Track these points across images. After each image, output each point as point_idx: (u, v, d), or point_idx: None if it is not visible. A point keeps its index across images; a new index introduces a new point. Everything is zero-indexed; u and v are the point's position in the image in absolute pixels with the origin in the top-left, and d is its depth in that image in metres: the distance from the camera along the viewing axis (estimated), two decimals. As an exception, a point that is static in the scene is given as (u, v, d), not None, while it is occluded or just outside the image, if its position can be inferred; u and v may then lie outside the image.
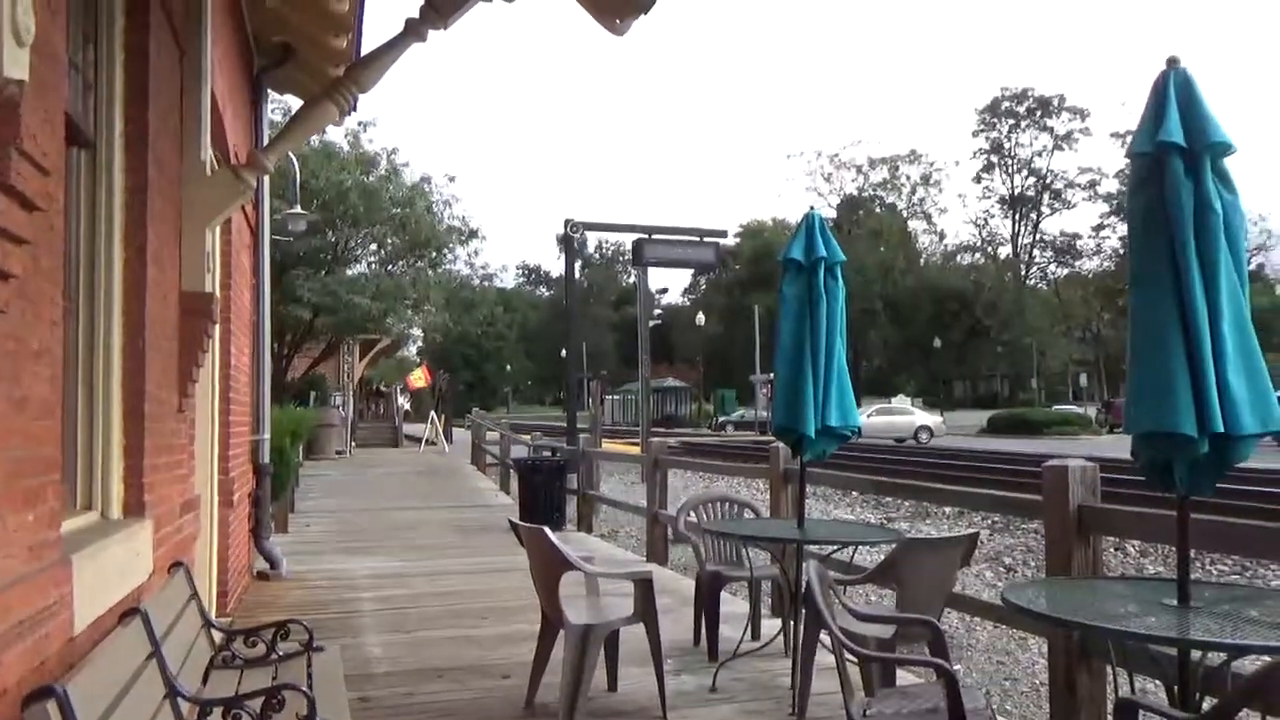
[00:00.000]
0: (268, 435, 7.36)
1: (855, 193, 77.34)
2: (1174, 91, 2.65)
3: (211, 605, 5.64)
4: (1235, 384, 2.51)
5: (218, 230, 5.87)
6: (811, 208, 4.75)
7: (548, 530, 3.82)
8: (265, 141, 7.81)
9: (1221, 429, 2.49)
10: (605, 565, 7.74)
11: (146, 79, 3.33)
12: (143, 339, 3.25)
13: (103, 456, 3.09)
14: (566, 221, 15.98)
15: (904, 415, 38.66)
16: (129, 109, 3.28)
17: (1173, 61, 2.71)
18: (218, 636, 3.20)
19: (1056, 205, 74.42)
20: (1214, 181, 2.60)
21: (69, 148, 3.00)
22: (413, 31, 4.44)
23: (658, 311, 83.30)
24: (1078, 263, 74.21)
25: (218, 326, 5.90)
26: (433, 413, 29.24)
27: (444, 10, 4.47)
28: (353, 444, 24.97)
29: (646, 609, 3.97)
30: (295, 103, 8.65)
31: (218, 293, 5.86)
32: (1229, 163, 2.66)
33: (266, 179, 7.56)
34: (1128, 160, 2.76)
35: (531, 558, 4.01)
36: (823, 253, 4.44)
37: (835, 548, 4.83)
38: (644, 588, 3.99)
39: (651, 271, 23.55)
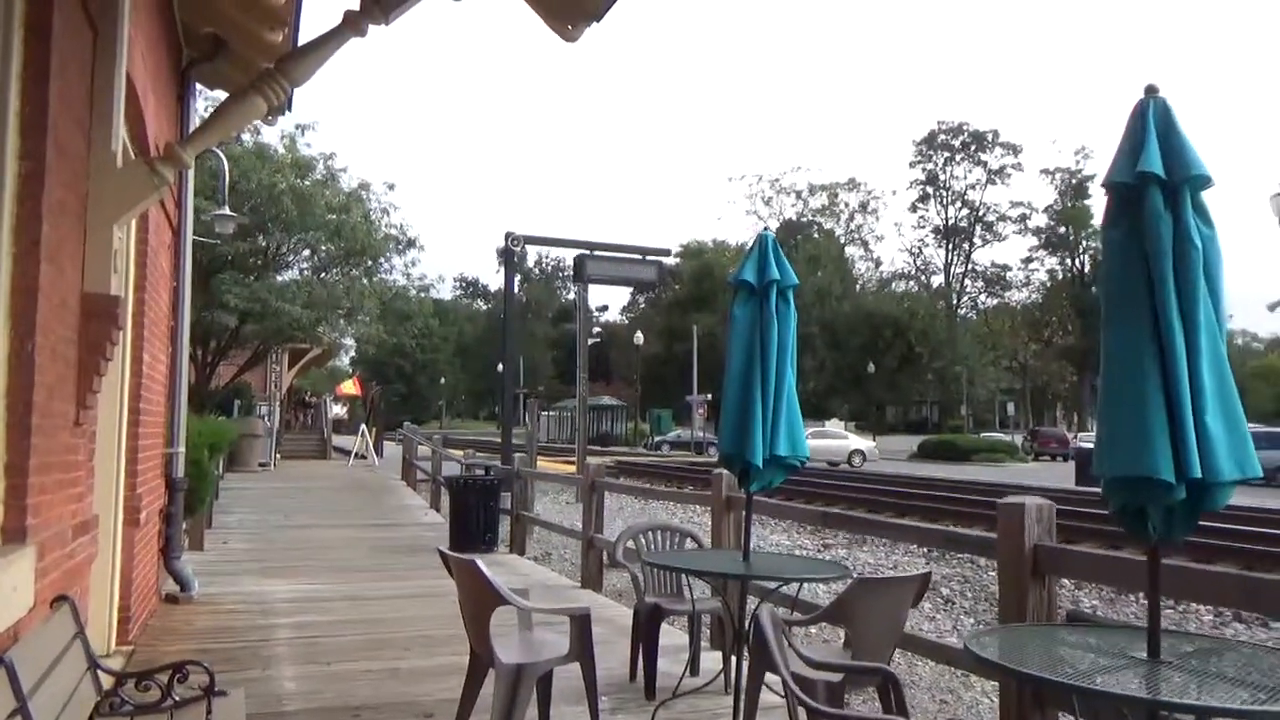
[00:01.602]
0: (182, 449, 6.92)
1: (795, 217, 78.47)
2: (1153, 121, 2.53)
3: (112, 633, 5.23)
4: (1214, 427, 2.39)
5: (133, 229, 5.52)
6: (765, 228, 4.60)
7: (480, 562, 3.55)
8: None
9: (1199, 475, 2.36)
10: (538, 590, 7.47)
11: (49, 56, 3.01)
12: (32, 343, 2.92)
13: (-22, 475, 2.75)
14: (507, 234, 15.68)
15: (838, 439, 39.01)
16: (27, 88, 2.95)
17: (1152, 90, 2.60)
18: (106, 680, 2.86)
19: (988, 237, 76.57)
20: (1193, 215, 2.48)
21: (-47, 128, 2.70)
22: (351, 25, 4.17)
23: (596, 329, 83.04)
24: (1007, 294, 76.33)
25: (130, 332, 5.52)
26: (363, 425, 28.45)
27: (386, 4, 4.21)
28: (278, 456, 24.14)
29: (583, 648, 3.73)
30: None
31: (130, 295, 5.50)
32: (1207, 197, 2.56)
33: (190, 176, 7.20)
34: (1104, 188, 2.63)
35: (461, 591, 3.74)
36: (775, 275, 4.28)
37: (780, 583, 4.64)
38: (580, 624, 3.75)
39: (592, 289, 23.34)
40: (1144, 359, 2.45)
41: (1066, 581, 9.31)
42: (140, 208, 3.99)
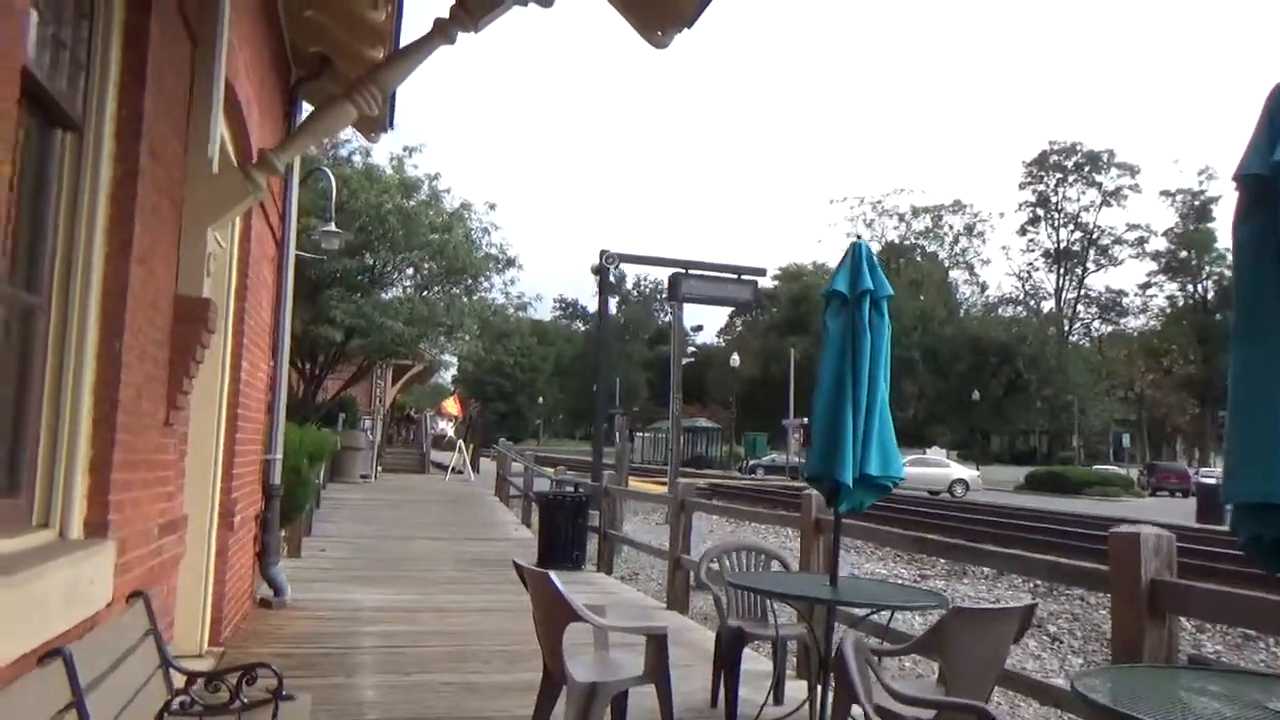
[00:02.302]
0: (279, 456, 7.08)
1: (897, 240, 76.87)
2: (1293, 106, 2.28)
3: (204, 634, 5.34)
4: (1365, 449, 2.11)
5: (235, 238, 5.69)
6: (859, 237, 4.42)
7: (553, 575, 3.46)
8: (298, 155, 7.66)
9: (1347, 503, 2.08)
10: (623, 610, 7.35)
11: (145, 64, 3.08)
12: (120, 342, 2.97)
13: (65, 469, 2.79)
14: (602, 252, 15.77)
15: (939, 468, 37.75)
16: (124, 94, 3.03)
17: (1291, 73, 2.34)
18: (178, 679, 2.87)
19: (1102, 261, 73.42)
20: (1343, 208, 2.21)
21: (52, 128, 2.77)
22: (440, 32, 4.19)
23: (692, 350, 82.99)
24: (1122, 320, 72.98)
25: (230, 339, 5.67)
26: (460, 441, 28.99)
27: (475, 11, 4.22)
28: (379, 468, 24.77)
29: (659, 668, 3.59)
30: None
31: (231, 302, 5.65)
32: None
33: (294, 190, 7.43)
34: (1234, 182, 2.37)
35: (535, 604, 3.65)
36: (869, 285, 4.09)
37: (870, 610, 4.41)
38: (657, 644, 3.61)
39: (688, 309, 23.25)
40: (1281, 372, 2.18)
41: (1186, 624, 8.69)
42: (234, 212, 4.08)
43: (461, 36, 4.21)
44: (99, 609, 2.75)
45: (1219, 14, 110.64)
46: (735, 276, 16.99)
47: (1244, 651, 8.39)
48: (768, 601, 4.90)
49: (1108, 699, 2.26)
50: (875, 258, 4.25)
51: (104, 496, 2.89)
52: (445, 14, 4.23)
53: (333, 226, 12.94)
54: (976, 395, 57.85)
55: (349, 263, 20.02)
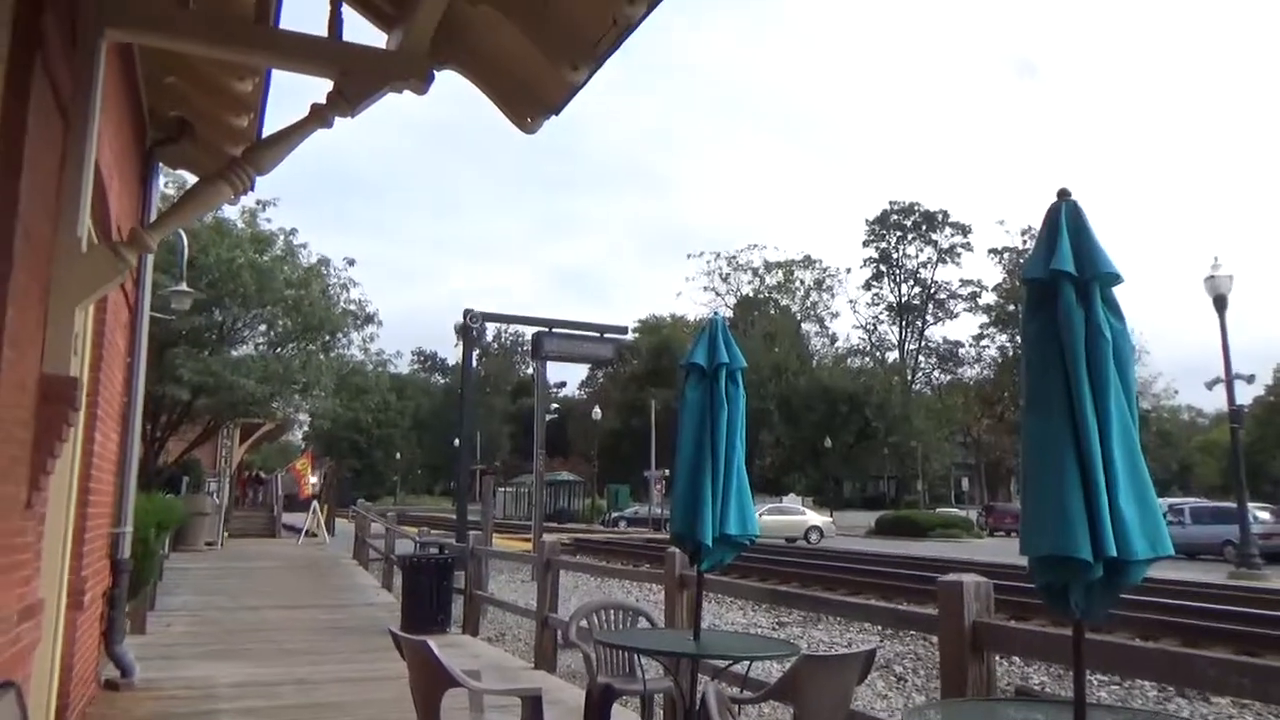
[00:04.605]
0: (129, 528, 6.83)
1: (751, 294, 79.66)
2: (1065, 222, 2.76)
3: (48, 722, 5.09)
4: (1126, 508, 2.55)
5: (90, 309, 5.56)
6: (715, 313, 4.79)
7: (431, 644, 3.58)
8: (153, 217, 7.49)
9: (1115, 553, 2.51)
10: (491, 672, 7.39)
11: (22, 150, 3.12)
12: (-11, 428, 2.95)
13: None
14: (466, 312, 15.83)
15: (795, 515, 39.08)
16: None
17: (1064, 194, 2.83)
18: (48, 767, 2.83)
19: (940, 314, 78.30)
20: (1104, 309, 2.69)
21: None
22: (317, 117, 4.34)
23: (554, 405, 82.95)
24: (959, 370, 77.80)
25: (84, 412, 5.50)
26: (314, 502, 27.94)
27: (353, 99, 4.39)
28: (225, 534, 23.61)
29: (534, 729, 3.74)
30: (190, 178, 8.40)
31: (85, 375, 5.50)
32: (1117, 293, 2.78)
33: (150, 258, 7.27)
34: (1021, 284, 2.83)
35: (412, 672, 3.75)
36: (725, 359, 4.44)
37: (730, 661, 4.69)
38: (532, 705, 3.77)
39: (550, 364, 23.46)
40: (1061, 445, 2.61)
41: (1016, 658, 9.41)
42: (103, 291, 4.05)
43: (338, 121, 4.37)
44: (-36, 702, 2.70)
45: (1034, 93, 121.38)
46: (598, 335, 17.37)
47: (1064, 682, 9.16)
48: (635, 657, 5.11)
49: (932, 732, 2.59)
50: (730, 332, 4.62)
51: (-32, 585, 2.85)
52: (321, 99, 4.40)
53: (184, 286, 12.53)
54: (829, 443, 60.19)
55: (197, 319, 19.29)
